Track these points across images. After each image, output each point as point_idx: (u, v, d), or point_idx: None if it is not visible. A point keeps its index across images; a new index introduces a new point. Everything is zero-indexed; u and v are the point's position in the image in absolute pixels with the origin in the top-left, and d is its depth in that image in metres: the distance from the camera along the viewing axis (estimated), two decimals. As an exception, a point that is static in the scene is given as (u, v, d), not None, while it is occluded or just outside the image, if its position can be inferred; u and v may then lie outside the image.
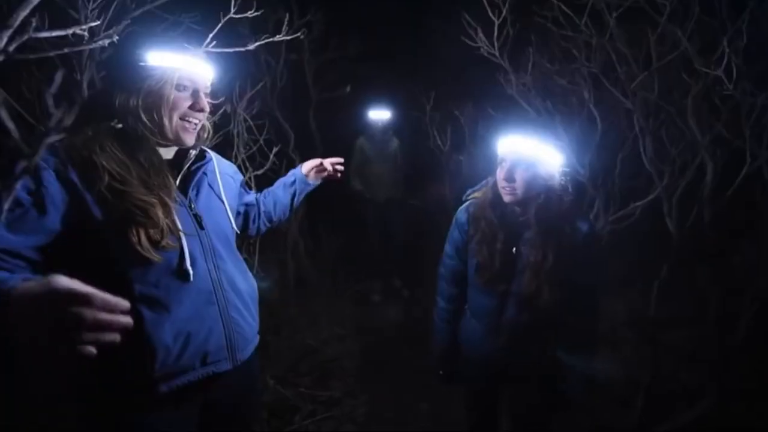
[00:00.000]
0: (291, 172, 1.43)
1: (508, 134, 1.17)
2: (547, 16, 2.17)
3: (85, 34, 0.64)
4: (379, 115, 3.49)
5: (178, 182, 0.98)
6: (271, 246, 2.94)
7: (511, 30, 1.97)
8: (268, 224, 1.38)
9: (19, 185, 0.82)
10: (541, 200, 1.15)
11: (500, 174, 1.18)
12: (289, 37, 1.47)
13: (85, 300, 0.57)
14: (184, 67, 0.93)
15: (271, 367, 2.21)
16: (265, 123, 2.26)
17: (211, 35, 1.33)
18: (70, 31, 0.64)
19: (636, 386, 1.99)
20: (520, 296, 1.19)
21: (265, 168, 2.07)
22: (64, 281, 0.57)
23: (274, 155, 2.13)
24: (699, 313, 2.09)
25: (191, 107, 0.96)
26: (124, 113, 0.91)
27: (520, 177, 1.15)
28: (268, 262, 2.80)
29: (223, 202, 1.07)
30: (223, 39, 1.37)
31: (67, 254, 0.86)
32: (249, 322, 1.06)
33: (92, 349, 0.58)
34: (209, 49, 1.37)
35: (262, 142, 2.17)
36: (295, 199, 1.42)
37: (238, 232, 1.15)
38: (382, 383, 2.37)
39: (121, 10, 1.37)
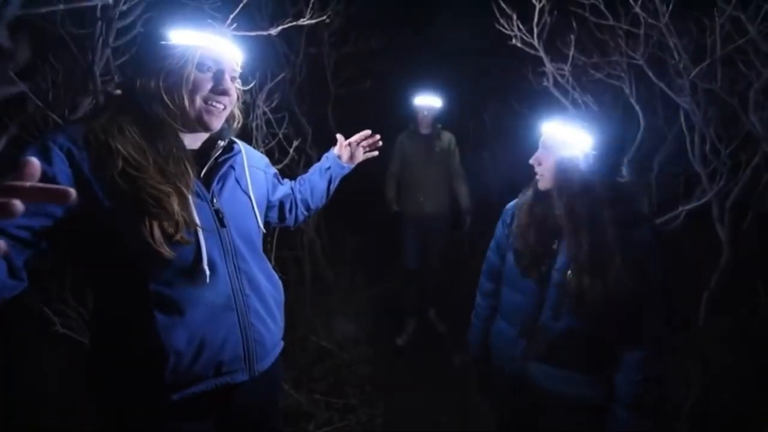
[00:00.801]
0: (325, 156, 1.37)
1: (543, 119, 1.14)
2: (584, 4, 2.03)
3: (87, -7, 0.55)
4: (425, 102, 2.70)
5: (202, 174, 0.91)
6: (288, 244, 2.87)
7: (549, 18, 1.83)
8: (305, 213, 1.32)
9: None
10: (568, 186, 1.09)
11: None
12: (313, 21, 1.38)
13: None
14: (207, 45, 0.86)
15: (285, 370, 2.13)
16: (284, 117, 2.18)
17: (231, 15, 1.25)
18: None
19: (678, 406, 1.83)
20: (561, 296, 1.08)
21: (284, 163, 1.98)
22: None
23: (293, 150, 2.05)
24: (752, 328, 1.91)
25: (213, 89, 0.88)
26: (146, 97, 0.84)
27: (544, 160, 1.12)
28: (283, 260, 2.73)
29: (249, 198, 1.00)
30: (243, 29, 1.30)
31: (79, 247, 0.80)
32: (271, 330, 0.98)
33: None
34: (230, 31, 1.29)
35: (281, 136, 2.09)
36: (332, 185, 1.36)
37: (263, 228, 1.06)
38: (400, 392, 2.27)
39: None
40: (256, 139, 1.97)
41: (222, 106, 0.90)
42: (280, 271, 2.12)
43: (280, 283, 1.06)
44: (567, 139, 1.09)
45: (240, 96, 0.98)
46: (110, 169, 0.78)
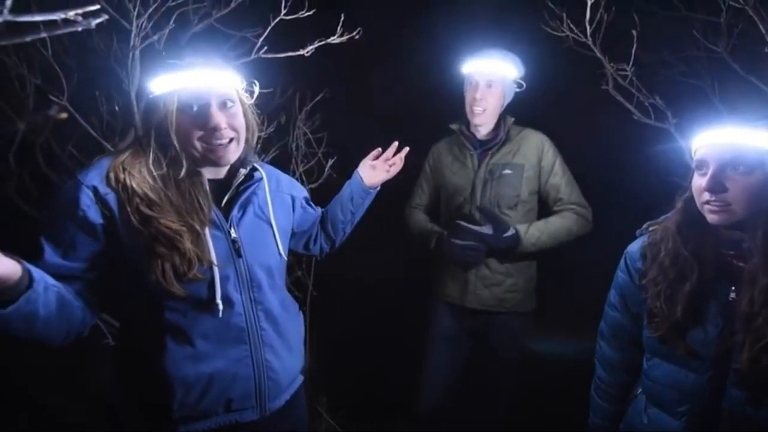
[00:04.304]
0: (347, 183, 1.28)
1: (706, 126, 0.84)
2: (649, -3, 1.80)
3: (78, 18, 0.55)
4: (484, 68, 1.47)
5: (223, 203, 0.91)
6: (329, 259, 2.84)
7: (605, 14, 1.65)
8: (326, 247, 1.28)
9: (58, 211, 0.81)
10: None
11: (701, 183, 0.83)
12: (344, 39, 1.37)
13: None
14: (183, 86, 0.83)
15: (324, 393, 2.08)
16: (323, 136, 2.20)
17: (260, 40, 1.27)
18: (58, 16, 0.56)
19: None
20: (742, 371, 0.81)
21: (319, 182, 2.00)
22: None
23: (334, 168, 2.05)
24: None
25: (203, 129, 0.85)
26: (149, 149, 0.86)
27: (738, 185, 0.79)
28: (326, 278, 2.72)
29: (271, 225, 0.98)
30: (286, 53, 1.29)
31: (106, 275, 0.84)
32: (286, 366, 0.94)
33: None
34: (264, 54, 1.29)
35: (320, 155, 2.10)
36: (355, 213, 1.26)
37: (285, 255, 1.03)
38: (448, 423, 2.09)
39: (183, 22, 1.38)
40: (296, 160, 2.00)
41: (224, 140, 0.86)
42: (321, 290, 2.10)
43: (300, 314, 1.03)
44: None
45: (251, 108, 0.93)
46: (127, 208, 0.80)
